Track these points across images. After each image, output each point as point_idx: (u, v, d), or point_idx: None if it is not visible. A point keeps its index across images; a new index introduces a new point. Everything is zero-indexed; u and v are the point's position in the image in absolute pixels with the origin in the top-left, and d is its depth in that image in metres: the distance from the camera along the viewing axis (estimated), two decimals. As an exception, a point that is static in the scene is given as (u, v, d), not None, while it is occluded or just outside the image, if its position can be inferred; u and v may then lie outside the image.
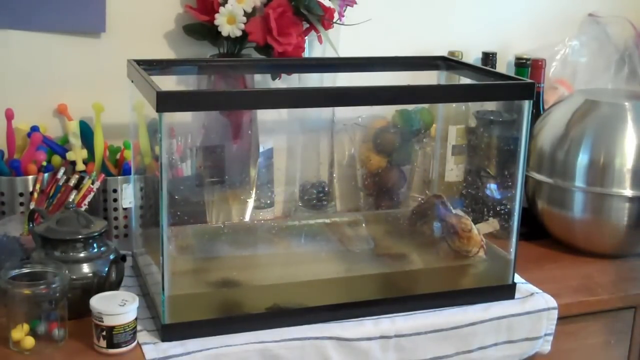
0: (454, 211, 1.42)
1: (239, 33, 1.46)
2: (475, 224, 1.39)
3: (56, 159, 1.47)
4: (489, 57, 1.73)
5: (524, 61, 1.68)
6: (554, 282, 1.41)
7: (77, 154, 1.44)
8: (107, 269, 1.21)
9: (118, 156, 1.50)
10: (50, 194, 1.42)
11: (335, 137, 1.62)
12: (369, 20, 1.57)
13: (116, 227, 1.45)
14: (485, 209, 1.47)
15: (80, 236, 1.21)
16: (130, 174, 1.43)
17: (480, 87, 1.38)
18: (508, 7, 1.83)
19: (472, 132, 1.61)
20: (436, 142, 1.61)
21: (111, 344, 1.11)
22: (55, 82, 1.50)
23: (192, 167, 1.45)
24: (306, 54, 1.55)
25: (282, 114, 1.56)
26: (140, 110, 1.34)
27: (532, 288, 1.37)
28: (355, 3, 1.56)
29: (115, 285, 1.22)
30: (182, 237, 1.39)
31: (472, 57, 1.78)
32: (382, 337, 1.22)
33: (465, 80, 1.49)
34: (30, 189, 1.41)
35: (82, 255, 1.21)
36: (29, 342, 1.11)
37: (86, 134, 1.47)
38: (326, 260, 1.39)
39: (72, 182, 1.42)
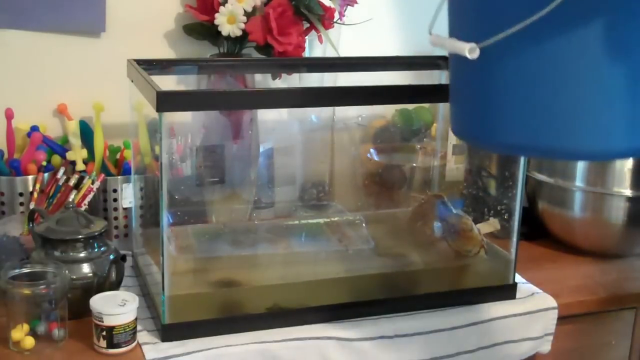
0: (454, 211, 1.42)
1: (239, 33, 1.46)
2: (475, 223, 1.38)
3: (56, 159, 1.47)
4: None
5: (524, 61, 1.67)
6: (555, 282, 1.41)
7: (77, 153, 1.44)
8: (107, 269, 1.20)
9: (118, 156, 1.49)
10: (50, 194, 1.42)
11: (335, 137, 1.61)
12: (370, 20, 1.57)
13: (116, 227, 1.45)
14: (486, 209, 1.47)
15: (80, 236, 1.21)
16: (130, 173, 1.43)
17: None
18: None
19: (473, 132, 1.61)
20: (436, 142, 1.61)
21: (111, 344, 1.11)
22: (55, 82, 1.50)
23: (192, 167, 1.45)
24: (306, 54, 1.55)
25: (282, 114, 1.56)
26: (140, 110, 1.34)
27: (532, 288, 1.37)
28: (356, 2, 1.56)
29: (115, 285, 1.22)
30: (182, 237, 1.38)
31: (473, 56, 1.78)
32: (382, 337, 1.22)
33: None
34: (30, 188, 1.41)
35: (82, 255, 1.21)
36: (29, 342, 1.11)
37: (86, 133, 1.47)
38: (326, 260, 1.39)
39: (72, 182, 1.42)
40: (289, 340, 1.17)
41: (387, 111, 1.60)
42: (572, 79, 0.70)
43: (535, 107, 0.71)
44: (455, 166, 1.59)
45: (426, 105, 1.61)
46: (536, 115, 0.71)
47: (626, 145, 0.70)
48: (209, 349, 1.13)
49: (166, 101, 1.09)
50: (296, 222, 1.53)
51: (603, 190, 1.47)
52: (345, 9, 1.55)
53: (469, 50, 0.75)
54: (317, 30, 1.51)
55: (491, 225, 1.42)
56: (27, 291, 1.12)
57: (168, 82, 1.42)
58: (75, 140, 1.45)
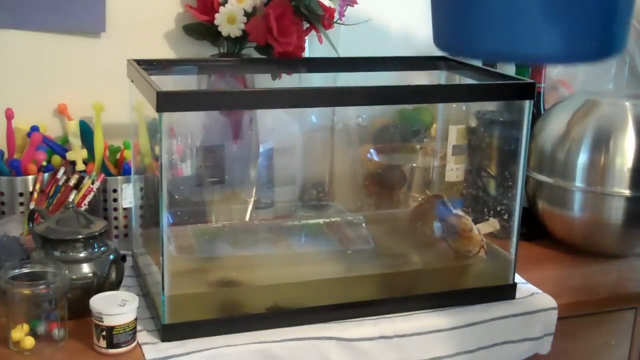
0: (454, 211, 1.42)
1: (239, 33, 1.46)
2: (475, 224, 1.39)
3: (56, 159, 1.47)
4: (489, 57, 1.72)
5: (525, 61, 1.67)
6: (554, 282, 1.41)
7: (77, 153, 1.44)
8: (107, 269, 1.20)
9: (118, 156, 1.50)
10: (50, 194, 1.42)
11: (335, 137, 1.61)
12: (369, 20, 1.57)
13: (116, 227, 1.45)
14: (486, 209, 1.47)
15: (80, 236, 1.21)
16: (130, 174, 1.43)
17: (481, 87, 1.37)
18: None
19: (473, 132, 1.61)
20: (436, 142, 1.61)
21: (111, 344, 1.11)
22: (55, 82, 1.50)
23: (192, 167, 1.45)
24: (306, 54, 1.55)
25: (282, 114, 1.56)
26: (140, 110, 1.34)
27: (532, 288, 1.37)
28: (356, 3, 1.56)
29: (115, 285, 1.22)
30: (182, 237, 1.38)
31: (473, 57, 1.78)
32: (382, 337, 1.22)
33: (465, 81, 1.48)
34: (30, 188, 1.41)
35: (82, 255, 1.21)
36: (29, 342, 1.11)
37: (86, 133, 1.47)
38: (326, 260, 1.39)
39: (72, 182, 1.42)
40: (288, 340, 1.17)
41: (387, 111, 1.60)
42: None
43: (509, 19, 0.83)
44: (455, 166, 1.59)
45: (426, 105, 1.61)
46: (510, 25, 0.84)
47: (567, 50, 0.84)
48: (208, 349, 1.13)
49: (166, 101, 1.09)
50: (296, 222, 1.53)
51: (603, 191, 1.47)
52: (345, 9, 1.55)
53: None
54: (317, 30, 1.51)
55: (491, 225, 1.42)
56: (27, 291, 1.12)
57: (168, 82, 1.42)
58: (75, 140, 1.45)
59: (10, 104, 1.46)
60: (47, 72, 1.50)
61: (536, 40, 0.82)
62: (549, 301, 1.33)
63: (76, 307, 1.16)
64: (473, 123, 1.62)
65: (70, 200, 1.39)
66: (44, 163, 1.43)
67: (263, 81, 1.55)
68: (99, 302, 1.12)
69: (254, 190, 1.52)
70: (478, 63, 1.44)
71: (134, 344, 1.14)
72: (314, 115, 1.58)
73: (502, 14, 0.83)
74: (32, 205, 1.39)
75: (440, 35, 0.96)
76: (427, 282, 1.33)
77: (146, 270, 1.31)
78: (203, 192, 1.46)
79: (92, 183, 1.41)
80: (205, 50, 1.55)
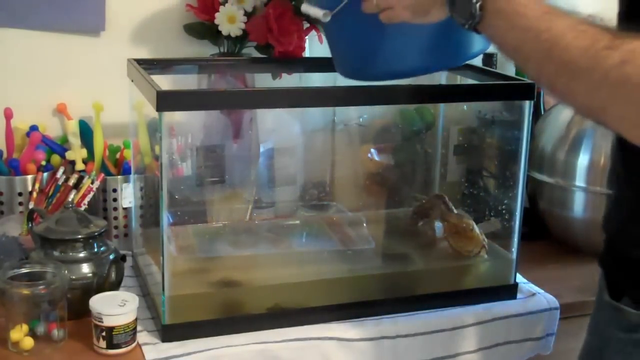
0: (455, 211, 1.42)
1: (239, 32, 1.46)
2: (476, 223, 1.38)
3: (55, 159, 1.46)
4: (490, 58, 1.72)
5: (525, 61, 1.67)
6: (556, 282, 1.40)
7: (77, 153, 1.44)
8: (107, 269, 1.20)
9: (118, 156, 1.49)
10: (50, 194, 1.42)
11: (335, 137, 1.61)
12: (370, 19, 1.57)
13: (116, 227, 1.45)
14: (487, 209, 1.47)
15: (80, 236, 1.20)
16: (130, 173, 1.43)
17: (481, 87, 1.37)
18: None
19: (473, 132, 1.61)
20: (437, 142, 1.61)
21: (111, 345, 1.11)
22: (55, 81, 1.50)
23: (192, 167, 1.45)
24: (306, 54, 1.55)
25: (283, 113, 1.55)
26: (140, 110, 1.33)
27: (533, 288, 1.37)
28: (356, 2, 1.55)
29: (115, 285, 1.22)
30: (182, 237, 1.38)
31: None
32: (383, 337, 1.22)
33: (465, 81, 1.48)
34: (30, 188, 1.41)
35: (81, 255, 1.20)
36: (28, 342, 1.11)
37: (86, 133, 1.47)
38: (327, 261, 1.39)
39: (72, 181, 1.42)
40: (289, 341, 1.17)
41: (387, 111, 1.60)
42: (372, 32, 1.13)
43: (370, 49, 1.14)
44: (456, 166, 1.59)
45: (427, 105, 1.60)
46: (370, 54, 1.15)
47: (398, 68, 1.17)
48: (209, 349, 1.13)
49: (166, 101, 1.09)
50: (297, 222, 1.52)
51: (603, 191, 1.46)
52: (346, 9, 1.54)
53: (323, 15, 1.12)
54: (317, 30, 1.51)
55: (492, 225, 1.42)
56: (26, 291, 1.11)
57: (168, 82, 1.41)
58: (75, 140, 1.44)
59: (9, 103, 1.46)
60: (46, 72, 1.49)
61: (410, 62, 1.16)
62: (550, 301, 1.33)
63: (76, 307, 1.16)
64: (473, 123, 1.62)
65: (70, 200, 1.39)
66: (43, 163, 1.43)
67: (263, 81, 1.55)
68: (99, 302, 1.12)
69: (254, 190, 1.52)
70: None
71: (134, 345, 1.13)
72: (314, 115, 1.58)
73: (384, 49, 1.14)
74: (31, 205, 1.39)
75: (340, 66, 1.26)
76: (429, 282, 1.33)
77: (146, 270, 1.30)
78: (203, 191, 1.46)
79: (92, 183, 1.41)
80: (205, 50, 1.55)
